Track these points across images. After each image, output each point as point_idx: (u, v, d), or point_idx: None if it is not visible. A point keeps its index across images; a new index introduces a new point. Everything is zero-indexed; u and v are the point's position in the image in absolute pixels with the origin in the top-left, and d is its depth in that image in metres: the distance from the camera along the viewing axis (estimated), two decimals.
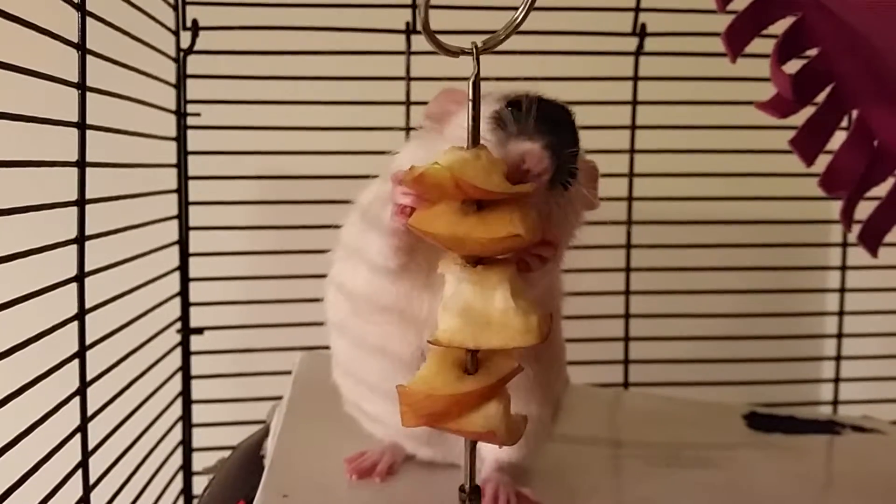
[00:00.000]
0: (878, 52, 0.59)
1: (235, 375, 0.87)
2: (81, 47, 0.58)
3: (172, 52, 0.83)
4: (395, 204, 0.45)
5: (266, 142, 0.84)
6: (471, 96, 0.41)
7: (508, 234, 0.40)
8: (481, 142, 0.43)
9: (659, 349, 0.92)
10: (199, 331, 0.86)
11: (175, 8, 0.83)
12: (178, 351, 0.86)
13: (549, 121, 0.46)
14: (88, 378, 0.59)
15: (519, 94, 0.47)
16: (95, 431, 0.61)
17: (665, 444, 0.72)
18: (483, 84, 0.42)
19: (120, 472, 0.67)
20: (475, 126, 0.41)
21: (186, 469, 0.87)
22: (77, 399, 0.58)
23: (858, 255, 0.78)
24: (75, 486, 0.57)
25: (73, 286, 0.58)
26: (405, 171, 0.41)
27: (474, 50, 0.41)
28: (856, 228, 0.72)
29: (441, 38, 0.41)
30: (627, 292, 0.92)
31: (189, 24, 0.82)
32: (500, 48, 0.42)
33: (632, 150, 0.89)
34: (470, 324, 0.41)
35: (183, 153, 0.85)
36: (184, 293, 0.86)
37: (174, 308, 0.85)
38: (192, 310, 0.86)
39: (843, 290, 0.95)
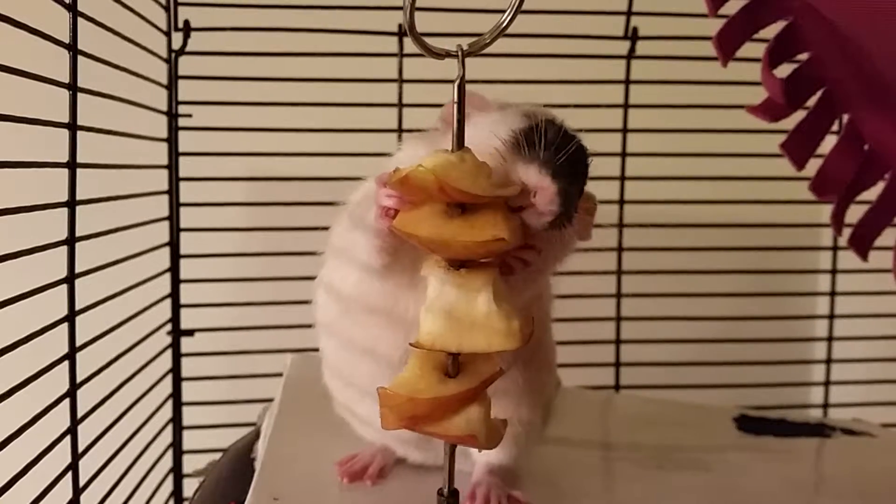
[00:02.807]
0: (870, 57, 0.59)
1: (226, 377, 0.87)
2: (73, 48, 0.58)
3: (164, 53, 0.83)
4: (379, 206, 0.45)
5: (258, 143, 0.84)
6: (455, 99, 0.41)
7: (493, 237, 0.40)
8: (498, 155, 0.43)
9: (650, 352, 0.92)
10: (190, 332, 0.86)
11: (167, 9, 0.83)
12: (169, 353, 0.85)
13: (569, 161, 0.45)
14: (78, 380, 0.59)
15: (547, 119, 0.46)
16: (85, 433, 0.60)
17: (656, 446, 0.72)
18: (500, 94, 0.41)
19: (110, 475, 0.66)
20: (460, 129, 0.41)
21: (177, 471, 0.87)
22: (67, 401, 0.58)
23: (849, 258, 0.78)
24: (65, 489, 0.57)
25: (64, 287, 0.58)
26: (389, 172, 0.41)
27: (460, 53, 0.41)
28: (846, 232, 0.73)
29: (433, 40, 0.41)
30: (619, 295, 0.92)
31: (181, 25, 0.82)
32: (491, 51, 0.42)
33: (623, 154, 0.89)
34: (453, 327, 0.41)
35: (174, 154, 0.85)
36: (174, 295, 0.85)
37: (165, 310, 0.85)
38: (183, 311, 0.86)
39: (833, 294, 0.95)
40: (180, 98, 0.84)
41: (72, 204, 0.58)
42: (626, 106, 0.89)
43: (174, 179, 0.85)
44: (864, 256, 0.73)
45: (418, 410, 0.41)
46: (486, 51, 0.42)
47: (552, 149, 0.45)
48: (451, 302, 0.41)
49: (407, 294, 0.51)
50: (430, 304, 0.42)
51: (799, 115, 0.68)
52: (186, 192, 0.85)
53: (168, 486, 0.86)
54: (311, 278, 0.59)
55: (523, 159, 0.45)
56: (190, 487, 0.81)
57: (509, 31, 0.42)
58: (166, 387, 0.85)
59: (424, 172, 0.39)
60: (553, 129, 0.46)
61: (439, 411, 0.41)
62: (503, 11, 0.41)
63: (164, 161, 0.85)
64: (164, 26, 0.82)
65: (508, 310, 0.41)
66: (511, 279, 0.45)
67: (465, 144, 0.42)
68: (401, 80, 0.85)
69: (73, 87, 0.58)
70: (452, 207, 0.41)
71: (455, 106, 0.41)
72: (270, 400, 0.74)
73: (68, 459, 0.58)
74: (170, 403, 0.86)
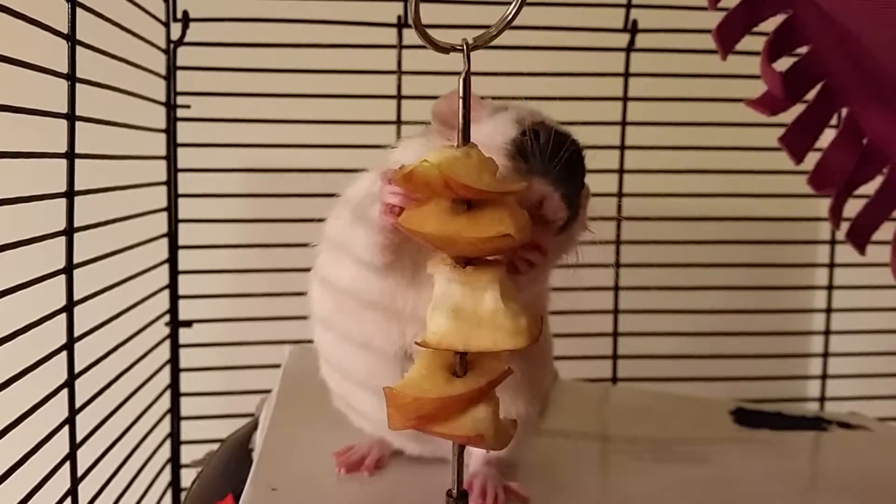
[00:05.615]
0: (868, 50, 0.59)
1: (224, 368, 0.87)
2: (71, 38, 0.58)
3: (162, 44, 0.83)
4: (384, 203, 0.45)
5: (256, 135, 0.84)
6: (461, 93, 0.41)
7: (498, 233, 0.39)
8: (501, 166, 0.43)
9: (647, 345, 0.92)
10: (188, 324, 0.86)
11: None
12: (167, 344, 0.85)
13: (568, 164, 0.46)
14: (77, 370, 0.59)
15: (536, 123, 0.48)
16: (83, 424, 0.61)
17: (653, 439, 0.72)
18: (499, 86, 0.41)
19: (108, 465, 0.67)
20: (465, 124, 0.41)
21: (175, 462, 0.87)
22: (65, 391, 0.58)
23: (846, 252, 0.78)
24: (63, 479, 0.57)
25: (62, 278, 0.58)
26: (394, 169, 0.41)
27: (465, 47, 0.41)
28: (844, 226, 0.73)
29: (431, 32, 0.40)
30: (616, 288, 0.92)
31: (179, 15, 0.82)
32: (491, 43, 0.42)
33: (622, 147, 0.89)
34: (460, 325, 0.40)
35: (172, 145, 0.85)
36: (173, 286, 0.85)
37: (163, 301, 0.85)
38: (181, 302, 0.86)
39: (830, 288, 0.95)
40: (179, 89, 0.84)
41: (70, 194, 0.58)
42: (625, 99, 0.88)
43: (172, 170, 0.85)
44: (861, 250, 0.73)
45: (424, 410, 0.41)
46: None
47: (547, 154, 0.46)
48: (457, 300, 0.41)
49: (406, 291, 0.51)
50: (436, 303, 0.41)
51: (798, 109, 0.68)
52: (185, 183, 0.85)
53: (166, 476, 0.86)
54: (310, 270, 0.59)
55: (528, 172, 0.45)
56: (188, 478, 0.81)
57: None
58: (164, 377, 0.85)
59: (430, 167, 0.39)
60: (545, 133, 0.47)
61: (446, 411, 0.41)
62: (497, 3, 0.41)
63: (163, 152, 0.85)
64: (162, 17, 0.82)
65: (516, 308, 0.41)
66: (517, 277, 0.45)
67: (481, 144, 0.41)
68: (399, 72, 0.85)
69: (71, 78, 0.58)
70: (458, 204, 0.40)
71: (460, 101, 0.41)
72: (268, 391, 0.75)
73: (66, 449, 0.58)
74: (168, 394, 0.86)
